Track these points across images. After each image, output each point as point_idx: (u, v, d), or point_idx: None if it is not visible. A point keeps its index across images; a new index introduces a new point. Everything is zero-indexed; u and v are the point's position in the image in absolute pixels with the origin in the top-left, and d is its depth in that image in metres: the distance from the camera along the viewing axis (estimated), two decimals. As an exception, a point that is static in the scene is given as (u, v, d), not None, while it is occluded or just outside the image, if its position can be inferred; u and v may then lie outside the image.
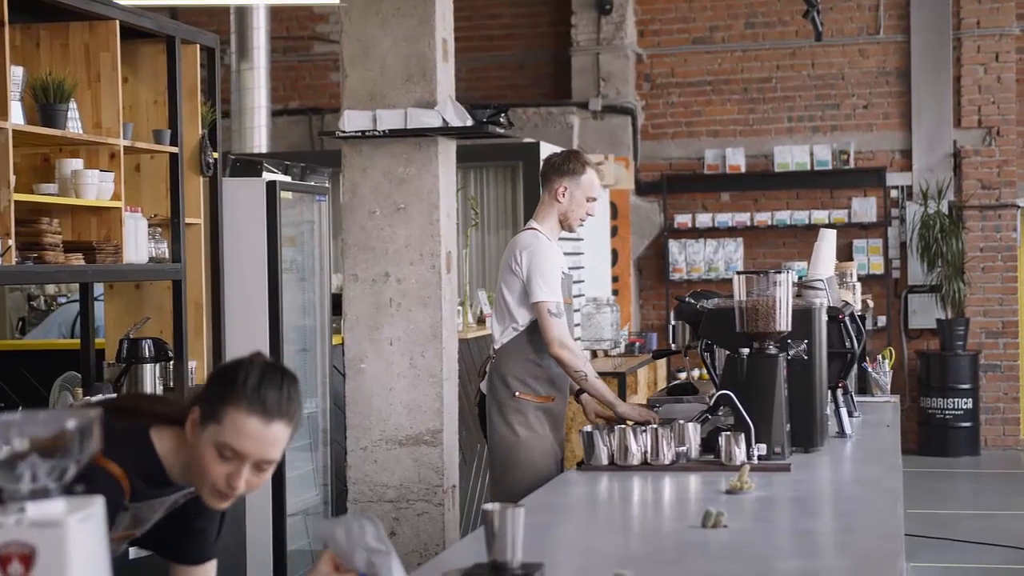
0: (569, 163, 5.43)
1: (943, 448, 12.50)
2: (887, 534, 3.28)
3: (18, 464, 1.78)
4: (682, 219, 13.23)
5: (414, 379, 5.89)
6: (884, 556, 3.05)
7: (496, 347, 5.45)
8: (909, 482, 10.35)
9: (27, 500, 1.77)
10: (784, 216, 13.04)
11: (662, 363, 11.56)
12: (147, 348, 5.64)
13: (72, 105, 5.16)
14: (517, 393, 5.34)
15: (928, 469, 11.96)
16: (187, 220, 5.95)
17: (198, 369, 6.07)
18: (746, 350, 4.49)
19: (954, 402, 12.53)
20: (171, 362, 5.82)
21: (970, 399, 12.55)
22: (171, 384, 5.84)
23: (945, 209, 12.64)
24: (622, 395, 9.47)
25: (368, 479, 5.86)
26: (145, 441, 2.75)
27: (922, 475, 11.63)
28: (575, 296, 9.99)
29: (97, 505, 1.81)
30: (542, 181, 5.51)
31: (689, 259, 13.23)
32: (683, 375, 12.39)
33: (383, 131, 5.83)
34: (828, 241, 5.73)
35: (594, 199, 5.47)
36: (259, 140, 10.53)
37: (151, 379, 5.63)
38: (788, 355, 4.55)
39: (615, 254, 12.66)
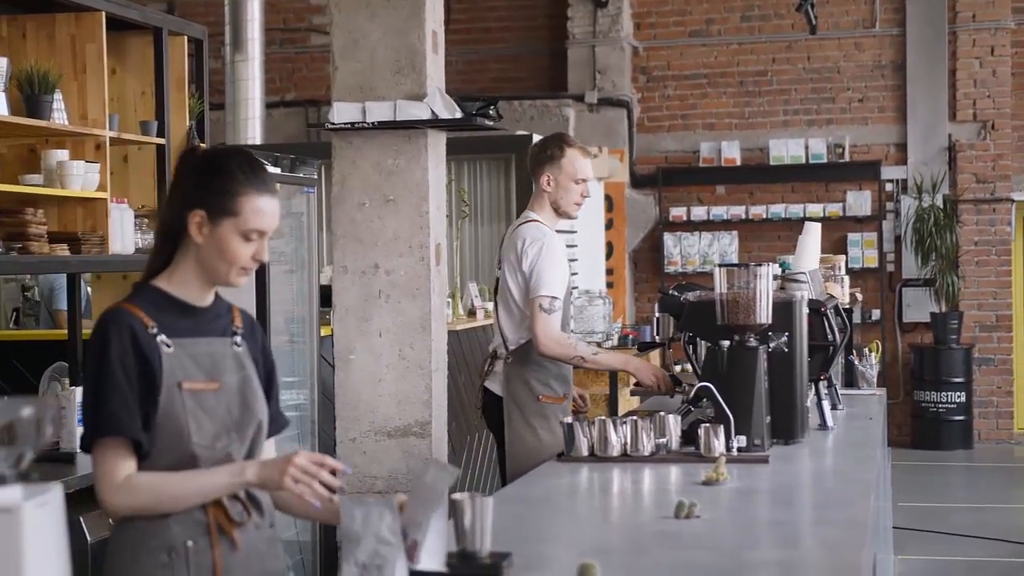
0: (547, 150, 5.37)
1: (936, 441, 12.53)
2: (854, 525, 3.30)
3: (-27, 451, 1.80)
4: (677, 212, 13.24)
5: (403, 371, 5.90)
6: (849, 546, 3.07)
7: (511, 347, 5.30)
8: (902, 475, 10.44)
9: (-18, 487, 1.80)
10: (779, 209, 13.05)
11: (656, 355, 11.58)
12: (133, 339, 5.65)
13: (57, 96, 5.18)
14: (540, 397, 5.25)
15: (921, 462, 11.98)
16: (175, 212, 5.96)
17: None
18: (726, 342, 4.50)
19: (947, 395, 12.55)
20: (158, 352, 5.83)
21: (963, 392, 12.58)
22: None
23: (940, 203, 12.65)
24: (613, 387, 9.45)
25: (357, 470, 5.87)
26: (149, 287, 2.95)
27: (915, 468, 11.65)
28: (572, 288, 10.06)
29: (54, 492, 1.83)
30: (529, 172, 5.48)
31: (684, 252, 13.25)
32: (679, 368, 12.41)
33: (372, 123, 5.84)
34: (812, 234, 5.75)
35: (583, 180, 5.36)
36: (253, 132, 10.52)
37: (138, 369, 5.63)
38: (768, 347, 4.56)
39: (610, 247, 12.68)
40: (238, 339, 3.02)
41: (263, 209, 2.90)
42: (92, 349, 2.88)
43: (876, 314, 12.85)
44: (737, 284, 4.50)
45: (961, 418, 12.59)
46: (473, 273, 9.97)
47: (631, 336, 11.08)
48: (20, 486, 1.82)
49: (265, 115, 11.34)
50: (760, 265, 4.52)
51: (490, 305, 8.54)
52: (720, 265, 4.58)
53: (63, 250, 5.17)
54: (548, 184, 5.34)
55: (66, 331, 5.98)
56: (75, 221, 5.41)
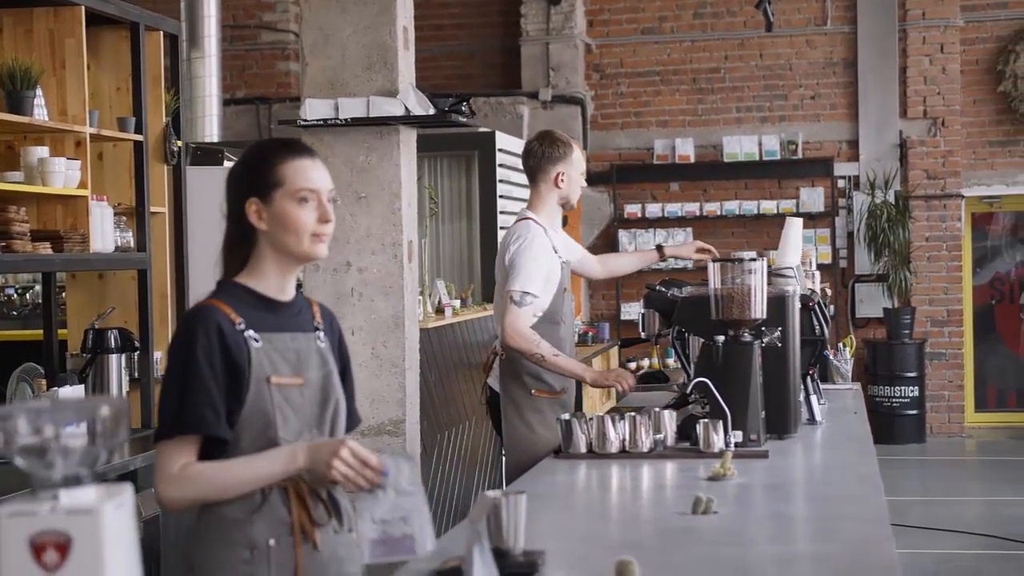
0: (557, 148, 5.35)
1: (890, 435, 12.62)
2: (875, 519, 3.33)
3: (50, 451, 1.76)
4: (632, 209, 13.27)
5: (376, 369, 5.88)
6: (877, 541, 3.09)
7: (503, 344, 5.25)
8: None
9: (60, 488, 1.76)
10: (733, 206, 13.11)
11: (614, 352, 11.61)
12: (113, 338, 5.57)
13: (38, 92, 5.08)
14: (533, 391, 5.25)
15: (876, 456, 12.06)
16: (152, 209, 5.88)
17: (163, 359, 6.00)
18: (721, 337, 4.50)
19: (900, 390, 12.66)
20: (137, 352, 5.75)
21: (916, 387, 12.70)
22: (136, 375, 5.77)
23: (892, 199, 12.75)
24: (578, 386, 9.42)
25: (330, 470, 5.82)
26: (232, 283, 2.97)
27: (870, 462, 11.74)
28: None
29: (127, 492, 1.79)
30: (533, 172, 5.39)
31: (639, 249, 13.26)
32: (633, 364, 12.44)
33: (345, 119, 5.80)
34: (795, 229, 5.77)
35: (582, 172, 5.45)
36: (210, 129, 10.40)
37: (117, 369, 5.56)
38: (762, 342, 4.57)
39: (565, 244, 12.65)
40: (321, 334, 3.02)
41: (305, 169, 2.92)
42: (177, 345, 2.87)
43: (830, 310, 12.92)
44: (731, 279, 4.51)
45: (914, 412, 12.71)
46: (439, 271, 9.92)
47: (590, 334, 11.10)
48: (95, 487, 1.78)
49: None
50: (755, 260, 4.53)
51: (458, 303, 8.54)
52: (715, 260, 4.59)
53: (45, 248, 5.07)
54: (560, 181, 5.33)
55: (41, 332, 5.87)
56: (55, 219, 5.32)
